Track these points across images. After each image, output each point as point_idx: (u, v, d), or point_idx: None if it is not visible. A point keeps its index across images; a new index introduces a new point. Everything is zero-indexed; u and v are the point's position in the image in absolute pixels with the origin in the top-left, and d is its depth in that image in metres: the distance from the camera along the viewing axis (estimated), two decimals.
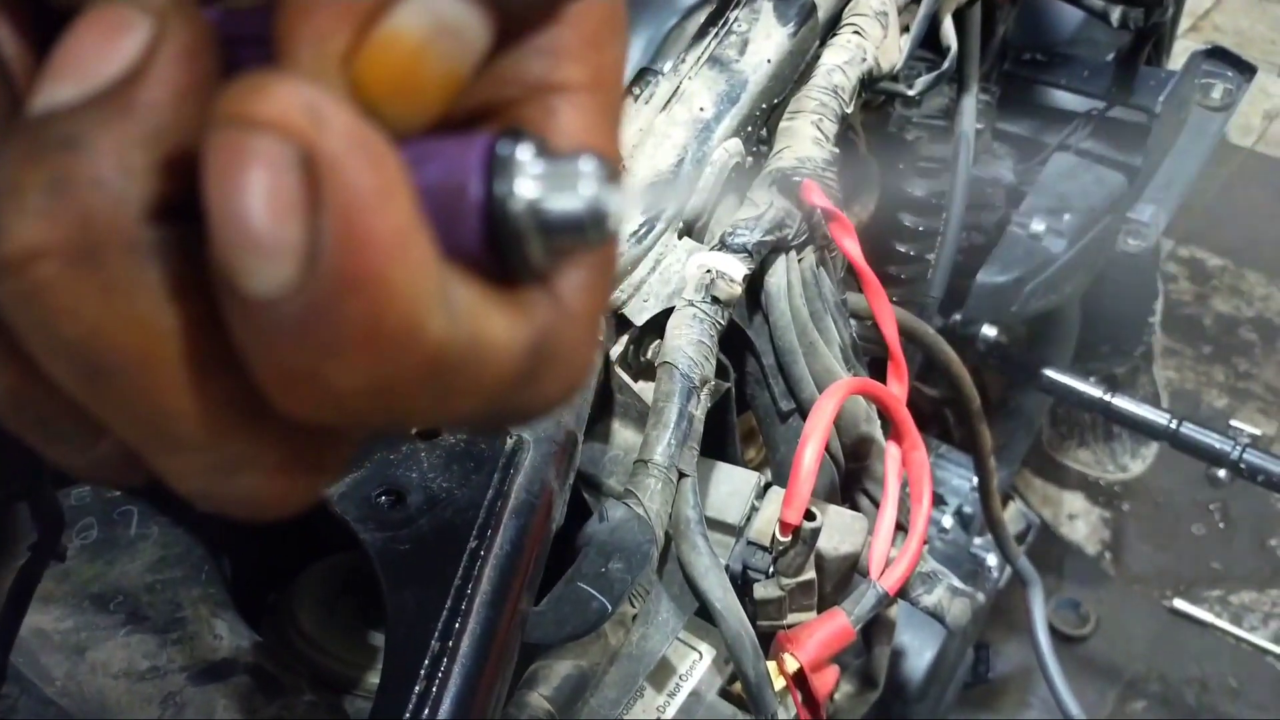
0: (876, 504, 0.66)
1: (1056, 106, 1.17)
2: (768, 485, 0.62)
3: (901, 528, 0.63)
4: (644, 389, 0.60)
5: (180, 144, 0.18)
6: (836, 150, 0.67)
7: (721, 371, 0.62)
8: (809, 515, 0.58)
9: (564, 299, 0.20)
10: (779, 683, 0.57)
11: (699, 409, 0.58)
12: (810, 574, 0.60)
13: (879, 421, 0.68)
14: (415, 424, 0.21)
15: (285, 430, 0.19)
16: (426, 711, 0.41)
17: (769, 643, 0.59)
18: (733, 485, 0.62)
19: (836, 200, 0.65)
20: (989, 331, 1.09)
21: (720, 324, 0.60)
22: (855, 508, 0.68)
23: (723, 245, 0.61)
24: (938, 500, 1.19)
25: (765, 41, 0.67)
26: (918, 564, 0.62)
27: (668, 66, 0.66)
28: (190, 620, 0.55)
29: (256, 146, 0.16)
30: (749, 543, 0.60)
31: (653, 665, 0.56)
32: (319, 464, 0.21)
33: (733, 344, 0.65)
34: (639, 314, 0.61)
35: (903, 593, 0.62)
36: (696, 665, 0.60)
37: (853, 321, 0.71)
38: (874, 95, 0.78)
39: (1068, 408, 1.63)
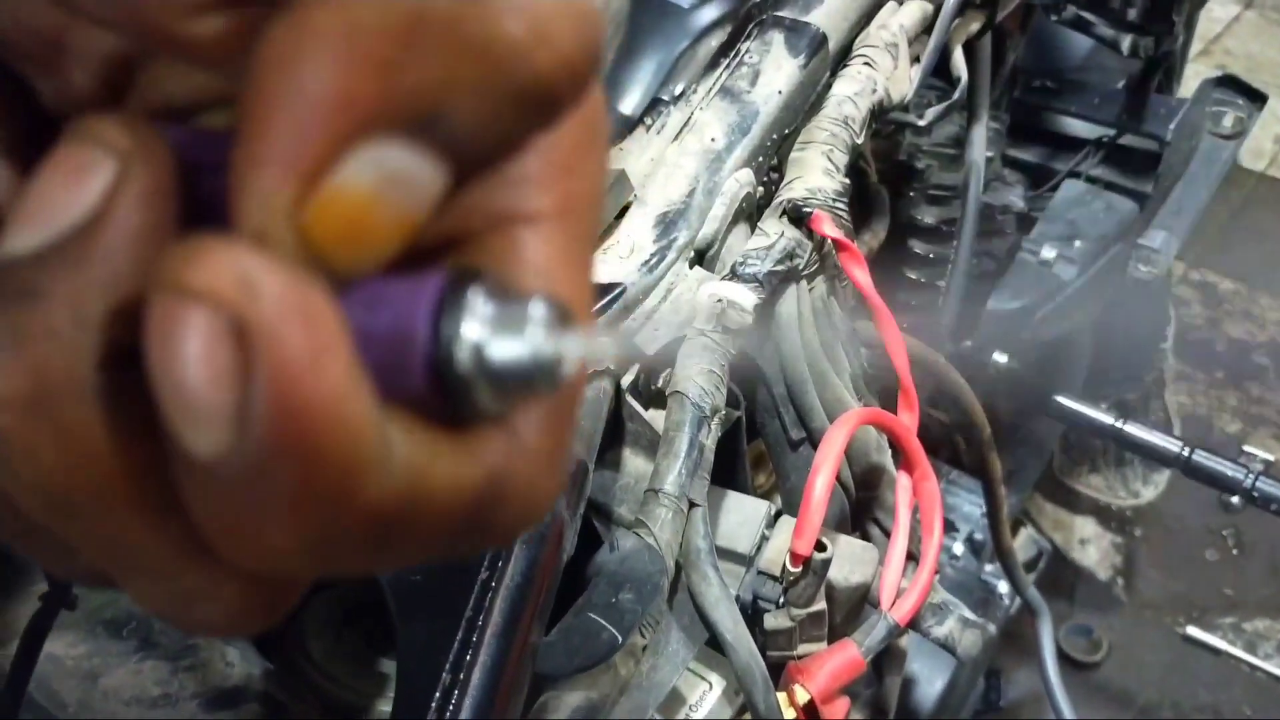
0: (887, 534, 0.66)
1: (1067, 133, 1.17)
2: (778, 514, 0.62)
3: (912, 558, 0.63)
4: (654, 417, 0.60)
5: (136, 289, 0.18)
6: (847, 181, 0.68)
7: (732, 400, 0.62)
8: (820, 546, 0.58)
9: (520, 435, 0.20)
10: (789, 714, 0.57)
11: (710, 438, 0.58)
12: (821, 604, 0.60)
13: (889, 451, 0.68)
14: (360, 572, 0.21)
15: (238, 569, 0.19)
16: None
17: (779, 673, 0.59)
18: (743, 515, 0.62)
19: (847, 231, 0.66)
20: (1000, 358, 1.09)
21: (731, 353, 0.60)
22: (866, 537, 0.68)
23: (734, 275, 0.61)
24: (948, 527, 1.19)
25: (776, 73, 0.67)
26: (929, 595, 0.61)
27: (678, 90, 0.67)
28: (202, 647, 0.55)
29: (189, 316, 0.17)
30: (759, 573, 0.60)
31: (663, 696, 0.56)
32: (275, 598, 0.21)
33: (743, 373, 0.65)
34: (650, 343, 0.61)
35: (914, 624, 0.62)
36: (706, 696, 0.60)
37: (863, 350, 0.71)
38: (884, 125, 0.78)
39: (1079, 434, 1.62)
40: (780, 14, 0.70)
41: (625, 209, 0.63)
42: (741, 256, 0.62)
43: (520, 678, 0.45)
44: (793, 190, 0.66)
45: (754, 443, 0.71)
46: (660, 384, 0.62)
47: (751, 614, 0.60)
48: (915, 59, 0.76)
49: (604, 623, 0.50)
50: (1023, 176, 1.16)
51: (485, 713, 0.42)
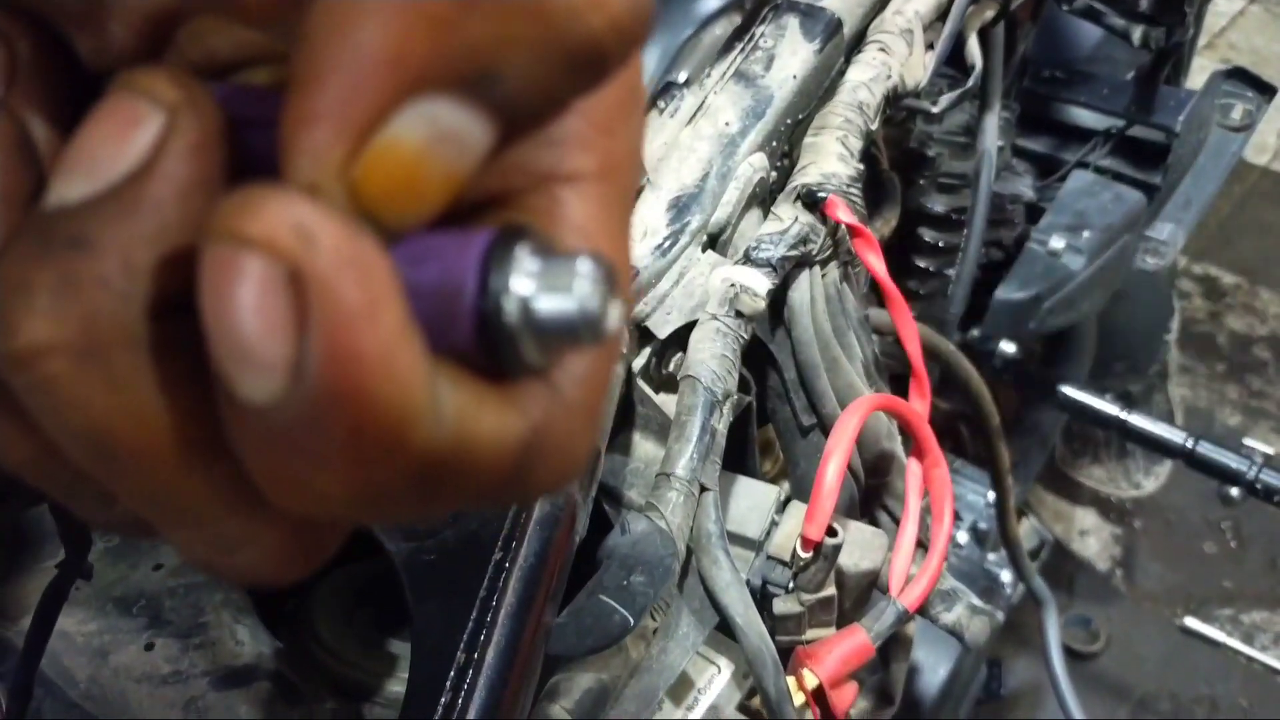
0: (897, 520, 0.66)
1: (1076, 124, 1.17)
2: (787, 500, 0.62)
3: (921, 544, 0.63)
4: (666, 402, 0.60)
5: (185, 239, 0.18)
6: (861, 166, 0.68)
7: (743, 385, 0.62)
8: (830, 532, 0.58)
9: (562, 391, 0.20)
10: (798, 698, 0.57)
11: (721, 423, 0.58)
12: (830, 590, 0.60)
13: (900, 438, 0.68)
14: (407, 519, 0.21)
15: (283, 514, 0.20)
16: None
17: (788, 658, 0.59)
18: (753, 500, 0.62)
19: (861, 217, 0.65)
20: (1006, 348, 1.09)
21: (743, 338, 0.60)
22: (875, 524, 0.68)
23: (747, 259, 0.61)
24: (954, 516, 1.19)
25: (791, 57, 0.67)
26: (937, 581, 0.61)
27: (684, 76, 0.66)
28: (212, 625, 0.55)
29: (246, 265, 0.17)
30: (769, 557, 0.60)
31: (673, 679, 0.56)
32: (316, 544, 0.21)
33: (755, 358, 0.65)
34: (662, 327, 0.61)
35: (922, 610, 0.62)
36: (715, 679, 0.60)
37: (875, 337, 0.71)
38: (897, 111, 0.78)
39: (1081, 424, 1.62)
40: None
41: (639, 192, 0.62)
42: (755, 241, 0.62)
43: (534, 657, 0.45)
44: (807, 175, 0.66)
45: (762, 429, 0.71)
46: (672, 368, 0.62)
47: (761, 599, 0.60)
48: (929, 46, 0.76)
49: (615, 605, 0.50)
50: (1031, 166, 1.15)
51: (500, 690, 0.42)
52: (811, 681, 0.57)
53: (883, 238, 0.86)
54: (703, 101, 0.66)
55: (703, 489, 0.56)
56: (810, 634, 0.60)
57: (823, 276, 0.66)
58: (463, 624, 0.44)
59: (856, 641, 0.59)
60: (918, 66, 0.74)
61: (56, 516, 0.49)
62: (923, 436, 0.62)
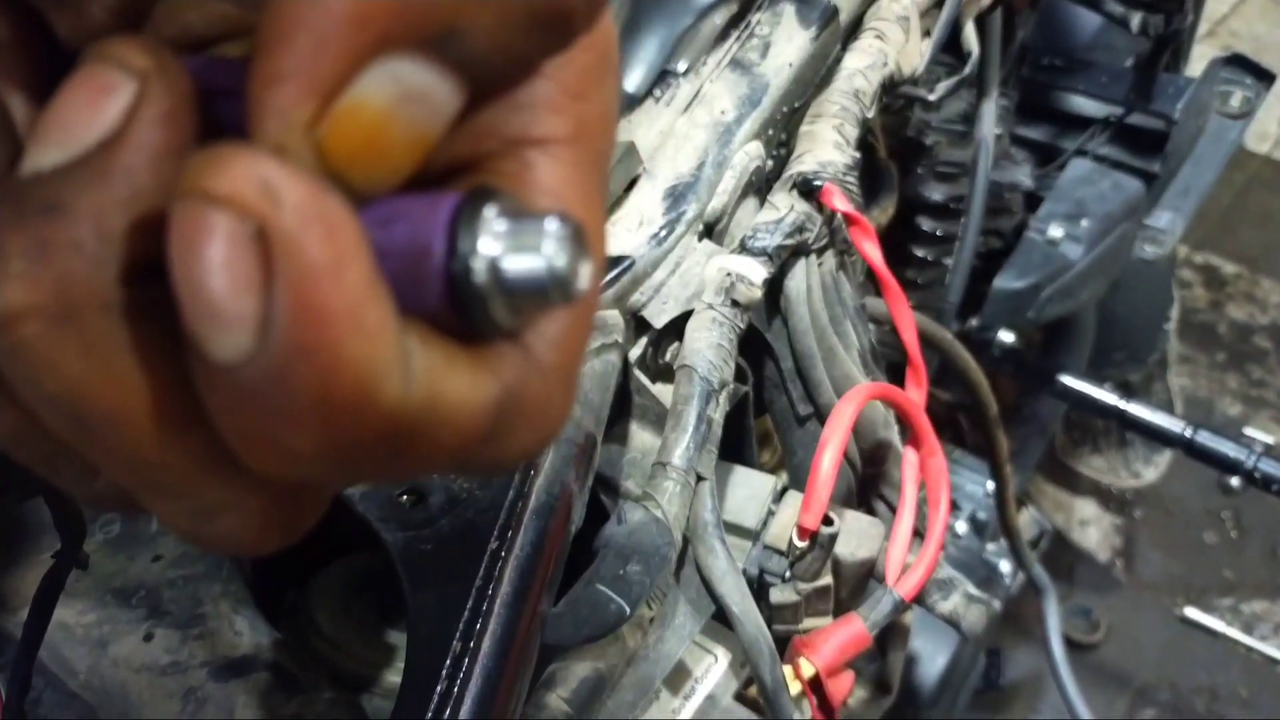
0: (893, 509, 0.66)
1: (1075, 112, 1.17)
2: (784, 489, 0.62)
3: (918, 534, 0.63)
4: (662, 391, 0.60)
5: (157, 205, 0.19)
6: (858, 154, 0.67)
7: (740, 375, 0.62)
8: (827, 521, 0.58)
9: (535, 353, 0.20)
10: (795, 687, 0.57)
11: (718, 412, 0.58)
12: (827, 579, 0.60)
13: (897, 427, 0.68)
14: (380, 480, 0.21)
15: (261, 480, 0.20)
16: (448, 712, 0.41)
17: (784, 647, 0.59)
18: (750, 489, 0.62)
19: (857, 205, 0.65)
20: (1005, 337, 1.09)
21: (739, 327, 0.60)
22: (872, 513, 0.68)
23: (743, 248, 0.61)
24: (952, 506, 1.19)
25: (787, 45, 0.67)
26: (934, 570, 0.62)
27: (683, 66, 0.66)
28: (211, 616, 0.55)
29: (213, 221, 0.17)
30: (765, 547, 0.60)
31: (669, 668, 0.56)
32: (297, 512, 0.21)
33: (751, 347, 0.65)
34: (658, 316, 0.61)
35: (919, 599, 0.62)
36: (712, 668, 0.60)
37: (871, 326, 0.71)
38: (894, 99, 0.78)
39: (1081, 414, 1.62)
40: None
41: (634, 181, 0.62)
42: (751, 230, 0.62)
43: (530, 646, 0.45)
44: (803, 164, 0.66)
45: (759, 419, 0.71)
46: (668, 358, 0.62)
47: (757, 588, 0.60)
48: (926, 33, 0.76)
49: (612, 594, 0.50)
50: (1030, 155, 1.15)
51: (496, 679, 0.42)
52: (808, 670, 0.57)
53: (880, 226, 0.86)
54: (698, 90, 0.66)
55: (699, 478, 0.56)
56: (807, 623, 0.60)
57: (819, 265, 0.65)
58: (459, 613, 0.44)
59: (853, 630, 0.59)
60: (914, 54, 0.73)
61: (51, 505, 0.49)
62: (919, 425, 0.62)
